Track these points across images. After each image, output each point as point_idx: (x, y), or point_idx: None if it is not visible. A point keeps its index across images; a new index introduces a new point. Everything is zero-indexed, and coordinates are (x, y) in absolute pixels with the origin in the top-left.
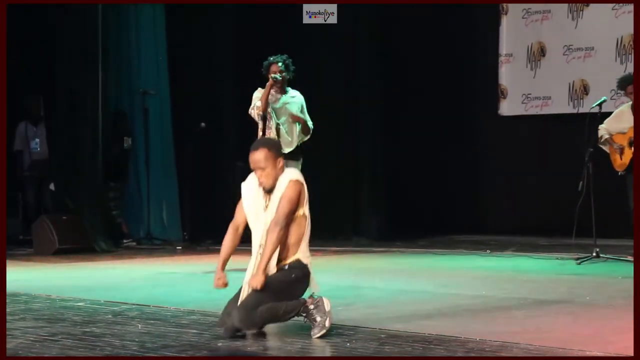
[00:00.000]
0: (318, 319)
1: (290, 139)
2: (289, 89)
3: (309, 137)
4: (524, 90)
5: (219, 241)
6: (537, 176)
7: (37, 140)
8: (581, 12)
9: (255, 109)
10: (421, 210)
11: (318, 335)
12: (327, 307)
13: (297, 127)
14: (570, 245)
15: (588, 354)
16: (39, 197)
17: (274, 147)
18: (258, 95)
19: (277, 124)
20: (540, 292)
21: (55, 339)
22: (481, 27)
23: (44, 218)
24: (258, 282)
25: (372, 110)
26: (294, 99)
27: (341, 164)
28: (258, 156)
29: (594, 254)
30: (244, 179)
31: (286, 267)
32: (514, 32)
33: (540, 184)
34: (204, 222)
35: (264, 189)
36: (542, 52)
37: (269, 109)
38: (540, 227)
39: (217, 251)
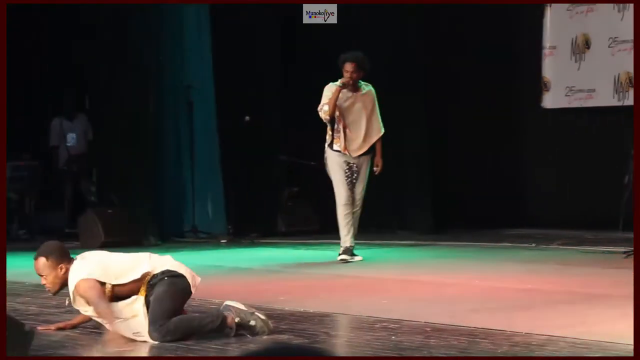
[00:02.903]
0: (252, 322)
1: (356, 137)
2: (361, 83)
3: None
4: (567, 82)
5: (263, 234)
6: (582, 169)
7: (74, 134)
8: (627, 5)
9: (322, 112)
10: (466, 203)
11: (266, 333)
12: (242, 306)
13: (365, 125)
14: (616, 239)
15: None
16: (78, 191)
17: (53, 253)
18: (328, 93)
19: (345, 126)
20: (587, 285)
21: (100, 331)
22: (525, 19)
23: (90, 211)
24: None
25: (416, 104)
26: (365, 96)
27: (386, 157)
28: (37, 265)
29: None
30: (287, 171)
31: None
32: (558, 24)
33: (585, 177)
34: (248, 215)
35: (50, 292)
36: (587, 44)
37: (337, 112)
38: (586, 220)
39: (262, 244)
